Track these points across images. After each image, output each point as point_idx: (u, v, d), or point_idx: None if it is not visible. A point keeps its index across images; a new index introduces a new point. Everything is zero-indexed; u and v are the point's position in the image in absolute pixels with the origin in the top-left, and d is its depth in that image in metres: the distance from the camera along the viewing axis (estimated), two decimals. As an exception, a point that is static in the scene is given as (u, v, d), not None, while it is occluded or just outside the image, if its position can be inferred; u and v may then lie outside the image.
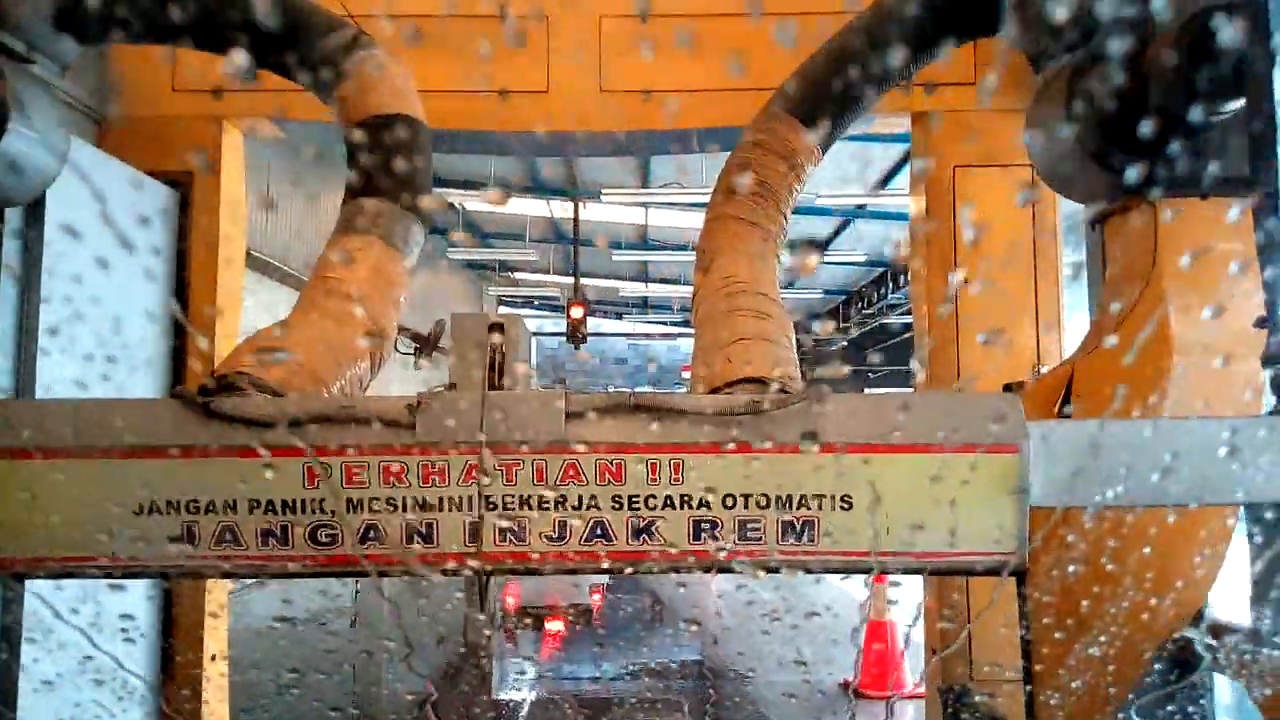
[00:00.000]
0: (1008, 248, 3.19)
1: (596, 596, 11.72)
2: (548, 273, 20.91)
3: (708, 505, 1.72)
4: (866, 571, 1.76)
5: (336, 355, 2.01)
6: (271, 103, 3.34)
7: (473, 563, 1.70)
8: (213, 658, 3.19)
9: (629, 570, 1.74)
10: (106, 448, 1.68)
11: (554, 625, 10.48)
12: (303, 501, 1.69)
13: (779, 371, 1.90)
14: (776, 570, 1.74)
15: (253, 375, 1.84)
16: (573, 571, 1.75)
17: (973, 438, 1.70)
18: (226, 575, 1.73)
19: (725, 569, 1.74)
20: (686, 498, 1.72)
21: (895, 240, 14.71)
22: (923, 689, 3.91)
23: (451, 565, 1.72)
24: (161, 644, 3.17)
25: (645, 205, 13.74)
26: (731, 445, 1.72)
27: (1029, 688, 2.56)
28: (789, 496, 1.72)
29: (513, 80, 3.35)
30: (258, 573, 1.72)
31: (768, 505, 1.72)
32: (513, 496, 1.72)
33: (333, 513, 1.70)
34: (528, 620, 10.43)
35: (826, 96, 2.33)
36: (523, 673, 8.69)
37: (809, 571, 1.75)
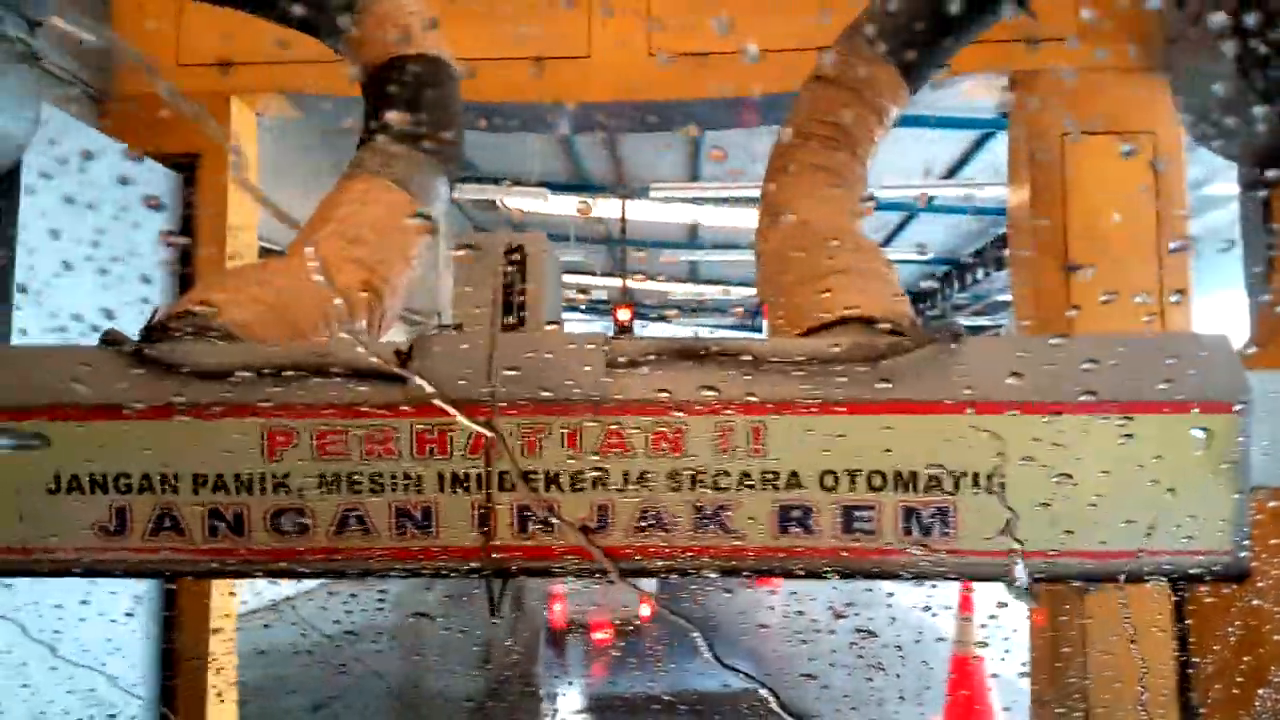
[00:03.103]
0: (1128, 226, 2.74)
1: (646, 607, 11.44)
2: (594, 274, 20.61)
3: (799, 485, 1.29)
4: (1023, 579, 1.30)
5: (323, 304, 1.62)
6: (285, 77, 3.02)
7: (481, 560, 1.31)
8: (218, 694, 2.86)
9: (689, 572, 1.32)
10: (12, 408, 1.31)
11: (600, 634, 10.20)
12: (262, 477, 1.31)
13: (894, 310, 1.42)
14: (894, 576, 1.30)
15: (207, 317, 1.43)
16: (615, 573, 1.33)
17: (1172, 393, 1.25)
18: (166, 574, 1.37)
19: (821, 572, 1.30)
20: (770, 475, 1.29)
21: (974, 229, 14.03)
22: (1020, 735, 3.45)
23: (453, 563, 1.32)
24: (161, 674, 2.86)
25: (696, 201, 13.34)
26: (832, 404, 1.28)
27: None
28: (914, 475, 1.27)
29: (550, 45, 2.97)
30: (205, 571, 1.34)
31: (883, 486, 1.28)
32: (536, 472, 1.30)
33: (301, 493, 1.31)
34: (574, 635, 10.19)
35: (915, 24, 1.88)
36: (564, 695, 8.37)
37: (941, 578, 1.30)
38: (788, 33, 2.87)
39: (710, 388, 1.30)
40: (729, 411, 1.29)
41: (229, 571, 1.34)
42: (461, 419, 1.29)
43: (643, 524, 1.30)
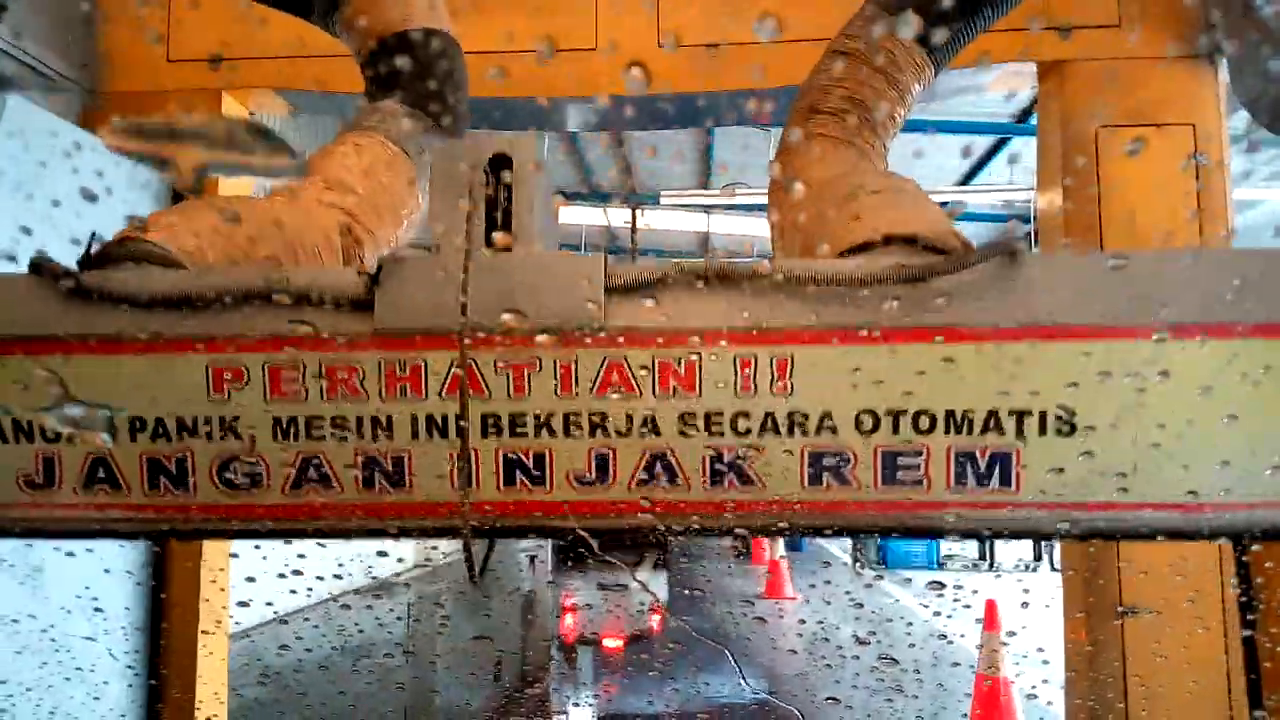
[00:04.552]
0: (1168, 223, 2.57)
1: (656, 618, 11.43)
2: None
3: (832, 428, 1.10)
4: (1098, 536, 1.11)
5: (294, 244, 1.44)
6: (278, 72, 2.90)
7: (461, 517, 1.12)
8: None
9: (703, 530, 1.14)
10: None
11: (611, 642, 10.16)
12: (207, 421, 1.14)
13: (939, 228, 1.22)
14: (943, 534, 1.12)
15: (157, 245, 1.25)
16: (614, 532, 1.14)
17: (1260, 313, 1.06)
18: (100, 534, 1.19)
19: (857, 529, 1.13)
20: (799, 417, 1.11)
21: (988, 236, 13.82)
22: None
23: (429, 522, 1.14)
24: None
25: (707, 209, 13.22)
26: (871, 332, 1.10)
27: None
28: (968, 414, 1.09)
29: (556, 36, 2.84)
30: (143, 529, 1.18)
31: (932, 428, 1.10)
32: (523, 416, 1.12)
33: (252, 439, 1.15)
34: (585, 647, 10.13)
35: None
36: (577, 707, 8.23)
37: (1001, 536, 1.13)
38: (802, 23, 2.73)
39: (729, 315, 1.11)
40: (750, 342, 1.11)
41: (170, 531, 1.18)
42: (436, 352, 1.11)
43: (649, 475, 1.12)
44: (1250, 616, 1.75)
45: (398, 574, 8.34)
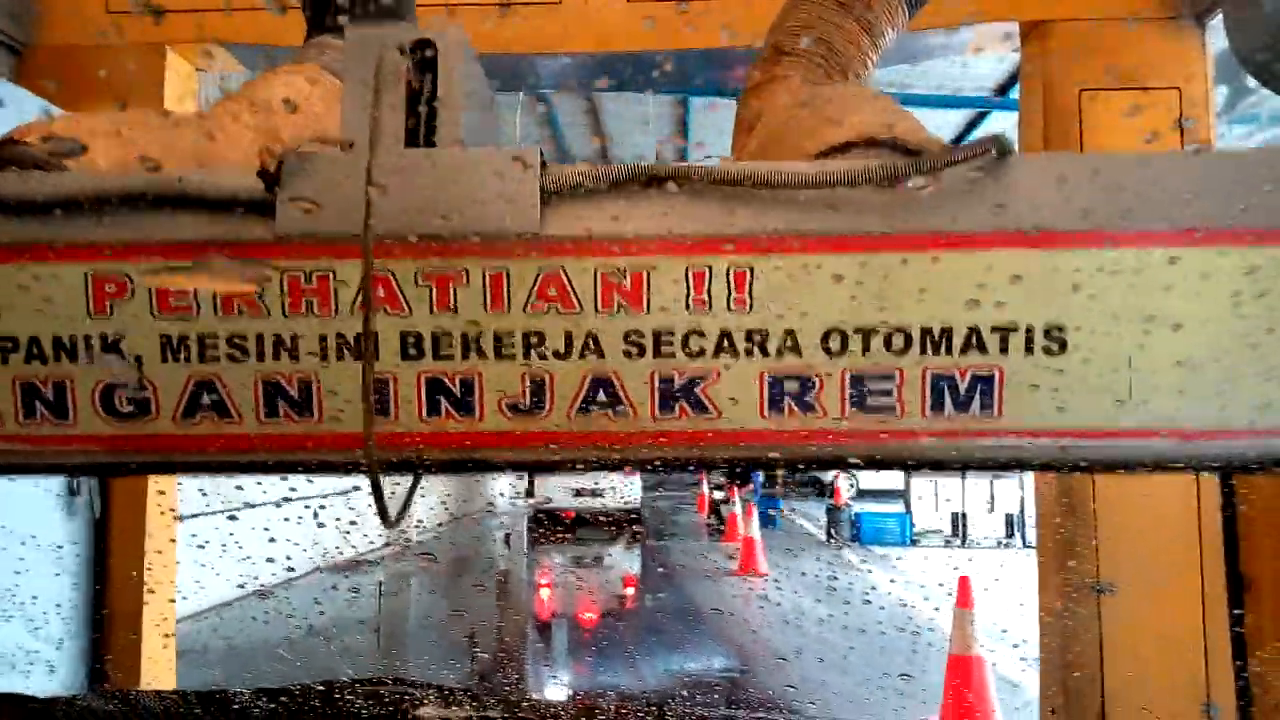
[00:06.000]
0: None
1: (630, 589, 11.58)
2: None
3: (796, 349, 1.00)
4: (1087, 468, 1.03)
5: (205, 161, 1.30)
6: (226, 25, 2.74)
7: (376, 450, 0.99)
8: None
9: (651, 464, 1.04)
10: None
11: (587, 615, 10.33)
12: (88, 340, 1.02)
13: (915, 132, 1.12)
14: (918, 466, 1.04)
15: (42, 150, 1.12)
16: (551, 468, 1.05)
17: (1273, 218, 0.97)
18: None
19: (823, 460, 1.03)
20: (759, 335, 1.01)
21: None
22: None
23: (340, 455, 1.02)
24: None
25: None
26: (838, 239, 1.00)
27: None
28: (947, 332, 1.00)
29: (518, -10, 2.70)
30: (19, 464, 1.06)
31: (906, 348, 1.00)
32: (448, 335, 1.01)
33: (139, 360, 1.03)
34: (559, 620, 10.19)
35: None
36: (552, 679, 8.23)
37: (980, 467, 1.04)
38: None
39: (681, 221, 1.01)
40: (705, 251, 1.00)
41: (49, 465, 1.06)
42: (346, 263, 0.99)
43: (591, 402, 1.02)
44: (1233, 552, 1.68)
45: (363, 553, 8.24)
